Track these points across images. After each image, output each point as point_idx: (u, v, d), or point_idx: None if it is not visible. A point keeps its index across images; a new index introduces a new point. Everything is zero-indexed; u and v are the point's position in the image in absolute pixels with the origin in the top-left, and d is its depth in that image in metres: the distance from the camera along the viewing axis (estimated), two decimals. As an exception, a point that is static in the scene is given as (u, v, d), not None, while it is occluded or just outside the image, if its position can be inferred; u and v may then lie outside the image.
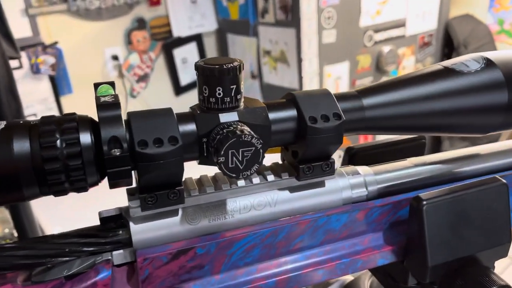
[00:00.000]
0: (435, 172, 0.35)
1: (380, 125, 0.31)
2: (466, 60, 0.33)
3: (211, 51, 2.04)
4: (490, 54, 0.33)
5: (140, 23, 1.85)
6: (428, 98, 0.31)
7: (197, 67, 0.26)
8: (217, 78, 0.26)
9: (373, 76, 1.88)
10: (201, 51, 2.01)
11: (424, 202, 0.30)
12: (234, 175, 0.26)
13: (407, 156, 0.37)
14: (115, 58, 1.79)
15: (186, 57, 1.96)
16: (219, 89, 0.26)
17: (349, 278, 0.43)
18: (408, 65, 1.98)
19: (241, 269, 0.30)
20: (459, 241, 0.32)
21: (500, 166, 0.37)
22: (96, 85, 0.27)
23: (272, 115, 0.28)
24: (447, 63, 0.33)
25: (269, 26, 1.73)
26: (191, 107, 0.28)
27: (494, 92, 0.32)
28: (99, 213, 0.29)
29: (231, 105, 0.27)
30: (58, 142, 0.24)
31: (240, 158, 0.26)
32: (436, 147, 2.00)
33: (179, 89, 1.99)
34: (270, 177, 0.30)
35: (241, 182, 0.30)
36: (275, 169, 0.31)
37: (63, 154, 0.24)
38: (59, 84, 1.67)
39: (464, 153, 0.37)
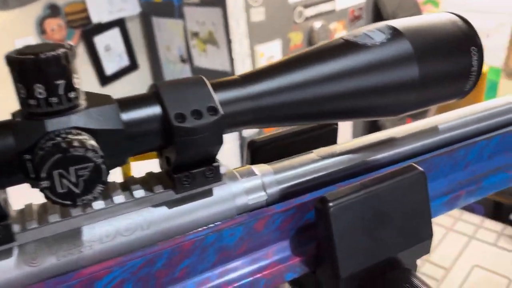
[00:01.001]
0: (346, 164, 0.30)
1: (272, 116, 0.26)
2: (370, 30, 0.28)
3: (137, 37, 1.92)
4: (396, 23, 0.28)
5: (53, 10, 1.69)
6: (327, 79, 0.26)
7: (6, 59, 0.19)
8: (33, 72, 0.19)
9: (306, 53, 1.84)
10: (126, 37, 1.88)
11: (331, 204, 0.25)
12: (68, 202, 0.19)
13: (319, 146, 0.32)
14: (28, 49, 1.63)
15: (109, 44, 1.82)
16: (39, 87, 0.19)
17: None
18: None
19: (110, 313, 0.24)
20: (375, 244, 0.27)
21: (418, 150, 0.33)
22: None
23: (126, 116, 0.22)
24: (350, 35, 0.28)
25: (194, 6, 1.63)
26: (13, 113, 0.21)
27: (403, 67, 0.27)
28: None
29: (61, 107, 0.20)
30: None
31: (73, 179, 0.19)
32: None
33: (105, 79, 1.85)
34: (139, 193, 0.24)
35: (98, 204, 0.23)
36: (148, 181, 0.25)
37: None
38: (-36, 83, 1.49)
39: (378, 139, 0.32)
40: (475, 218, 1.06)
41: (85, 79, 1.81)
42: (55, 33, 1.70)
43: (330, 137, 0.34)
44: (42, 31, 1.67)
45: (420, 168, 0.28)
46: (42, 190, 0.19)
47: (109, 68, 1.85)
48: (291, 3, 1.70)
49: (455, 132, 0.34)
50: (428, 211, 0.29)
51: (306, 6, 1.77)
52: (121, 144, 0.21)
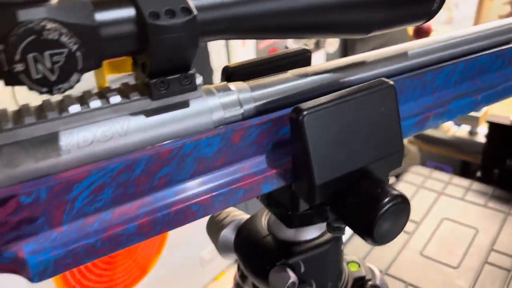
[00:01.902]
0: (319, 83, 0.31)
1: (248, 26, 0.26)
2: None
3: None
4: None
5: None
6: None
7: None
8: (2, -42, 0.19)
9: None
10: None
11: (305, 112, 0.26)
12: (44, 89, 0.19)
13: (293, 73, 0.33)
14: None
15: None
16: (9, -25, 0.19)
17: (245, 217, 0.39)
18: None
19: (91, 217, 0.24)
20: (348, 154, 0.28)
21: (388, 73, 0.34)
22: None
23: (100, 15, 0.22)
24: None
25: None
26: (-17, 8, 0.20)
27: (372, -19, 0.28)
28: None
29: (33, -3, 0.20)
30: None
31: (48, 65, 0.19)
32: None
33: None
34: (115, 99, 0.24)
35: (74, 108, 0.23)
36: (124, 90, 0.25)
37: None
38: None
39: (351, 61, 0.33)
40: (444, 176, 1.09)
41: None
42: None
43: (304, 64, 0.35)
44: None
45: (391, 82, 0.29)
46: (17, 75, 0.18)
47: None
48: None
49: (423, 58, 0.36)
50: (398, 125, 0.30)
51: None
52: (94, 44, 0.21)
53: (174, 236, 1.62)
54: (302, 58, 0.35)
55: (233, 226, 0.38)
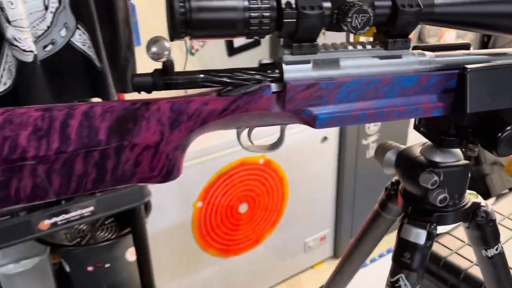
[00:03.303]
0: (479, 60, 0.51)
1: (453, 20, 0.47)
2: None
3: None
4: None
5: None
6: (487, 2, 0.47)
7: (334, -34, 0.43)
8: (347, -28, 0.43)
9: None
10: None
11: (469, 69, 0.47)
12: (354, 31, 0.43)
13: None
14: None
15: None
16: (349, -21, 0.43)
17: (402, 147, 0.60)
18: (449, 38, 2.09)
19: (345, 104, 0.47)
20: (489, 99, 0.48)
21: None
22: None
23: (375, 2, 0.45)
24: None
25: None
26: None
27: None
28: (260, 60, 0.47)
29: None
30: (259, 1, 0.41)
31: (359, 21, 0.42)
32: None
33: (232, 51, 2.16)
34: (368, 46, 0.47)
35: (350, 47, 0.47)
36: (370, 43, 0.48)
37: (261, 8, 0.41)
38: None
39: (499, 51, 0.53)
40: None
41: (217, 48, 2.13)
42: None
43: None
44: None
45: (525, 63, 0.48)
46: (345, 23, 0.42)
47: (237, 41, 2.15)
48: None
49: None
50: (525, 89, 0.49)
51: None
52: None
53: (285, 218, 1.84)
54: (463, 47, 0.55)
55: (394, 151, 0.60)
